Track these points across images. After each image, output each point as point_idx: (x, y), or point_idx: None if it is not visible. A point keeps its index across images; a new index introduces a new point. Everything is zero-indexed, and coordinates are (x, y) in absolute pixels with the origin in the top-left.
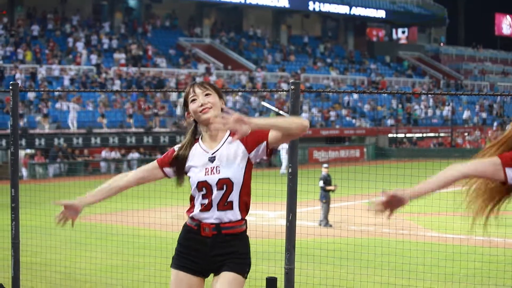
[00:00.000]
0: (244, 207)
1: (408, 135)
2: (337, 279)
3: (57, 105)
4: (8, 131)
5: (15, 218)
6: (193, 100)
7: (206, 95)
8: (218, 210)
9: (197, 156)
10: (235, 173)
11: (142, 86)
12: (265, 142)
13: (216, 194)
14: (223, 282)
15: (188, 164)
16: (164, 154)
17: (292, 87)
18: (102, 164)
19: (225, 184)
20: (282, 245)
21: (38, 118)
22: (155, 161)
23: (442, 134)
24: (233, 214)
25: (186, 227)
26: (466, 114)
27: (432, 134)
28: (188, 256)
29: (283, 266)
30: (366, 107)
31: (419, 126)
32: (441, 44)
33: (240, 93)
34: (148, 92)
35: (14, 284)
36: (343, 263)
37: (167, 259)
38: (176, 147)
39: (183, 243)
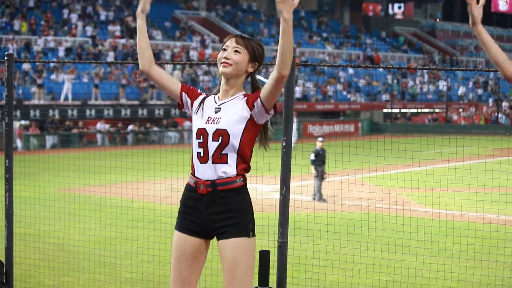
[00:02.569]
0: (241, 162)
1: (403, 110)
2: (330, 253)
3: (52, 77)
4: (3, 102)
5: (9, 189)
6: (223, 49)
7: (236, 51)
8: (213, 162)
9: (206, 105)
10: (234, 127)
11: (137, 59)
12: (258, 99)
13: (211, 144)
14: (229, 251)
15: (198, 109)
16: (188, 86)
17: None
18: (98, 136)
19: (221, 135)
20: (275, 219)
21: (33, 89)
22: (180, 82)
23: (437, 110)
24: (229, 168)
25: (186, 186)
26: (461, 90)
27: (427, 110)
28: (188, 216)
29: (276, 239)
30: (361, 82)
31: (414, 101)
32: (437, 19)
33: None
34: None
35: (7, 255)
36: (336, 237)
37: (160, 231)
38: (199, 90)
39: (184, 202)
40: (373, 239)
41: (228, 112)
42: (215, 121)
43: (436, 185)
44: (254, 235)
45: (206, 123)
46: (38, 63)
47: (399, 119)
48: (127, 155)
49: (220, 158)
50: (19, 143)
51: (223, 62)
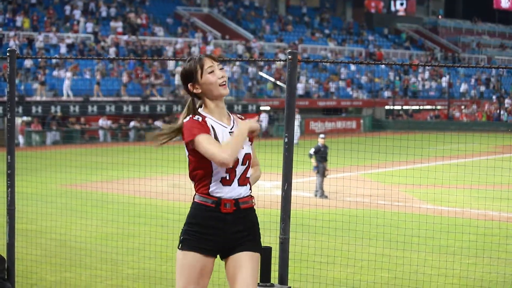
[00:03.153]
0: (250, 182)
1: (405, 107)
2: (332, 249)
3: (54, 73)
4: (5, 98)
5: (10, 185)
6: (211, 72)
7: (221, 69)
8: (239, 185)
9: (218, 131)
10: (250, 150)
11: (139, 55)
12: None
13: (240, 169)
14: (247, 264)
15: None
16: (192, 127)
17: (290, 57)
18: (100, 132)
19: (248, 159)
20: (277, 215)
21: (35, 85)
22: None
23: (439, 107)
24: (248, 189)
25: (200, 206)
26: (463, 87)
27: (428, 107)
28: (207, 236)
29: (278, 236)
30: (364, 79)
31: (416, 98)
32: (439, 16)
33: (237, 63)
34: (145, 60)
35: (9, 251)
36: (338, 234)
37: (162, 228)
38: (188, 118)
39: (202, 223)
40: (375, 236)
41: None
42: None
43: (438, 181)
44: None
45: None
46: (40, 60)
47: (401, 116)
48: (129, 151)
49: (245, 181)
50: (21, 139)
51: (222, 83)
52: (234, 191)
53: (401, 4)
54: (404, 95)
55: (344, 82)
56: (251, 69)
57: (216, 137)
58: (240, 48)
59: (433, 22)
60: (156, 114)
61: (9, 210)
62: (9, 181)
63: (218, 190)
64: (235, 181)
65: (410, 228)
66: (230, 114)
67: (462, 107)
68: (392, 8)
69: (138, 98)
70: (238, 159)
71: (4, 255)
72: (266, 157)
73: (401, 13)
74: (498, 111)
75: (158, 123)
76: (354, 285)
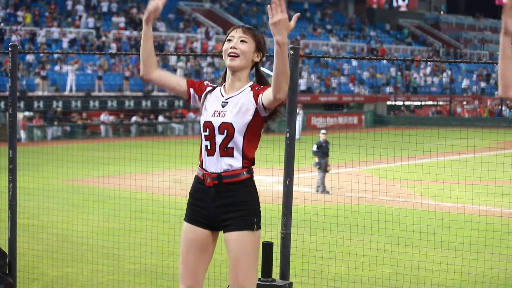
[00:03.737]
0: (246, 155)
1: (407, 103)
2: (333, 245)
3: (56, 68)
4: (7, 93)
5: (12, 180)
6: (229, 40)
7: (242, 41)
8: (220, 155)
9: (213, 98)
10: (239, 121)
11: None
12: (260, 97)
13: (218, 138)
14: (233, 244)
15: (205, 102)
16: (195, 80)
17: (292, 52)
18: (102, 127)
19: (226, 128)
20: (279, 210)
21: (37, 80)
22: (185, 78)
23: (440, 103)
24: (234, 161)
25: (195, 177)
26: (465, 83)
27: (430, 102)
28: (196, 208)
29: (279, 231)
30: (365, 74)
31: (418, 94)
32: (441, 12)
33: None
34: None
35: (10, 246)
36: (340, 229)
37: (163, 223)
38: (206, 82)
39: (192, 194)
40: (376, 231)
41: (234, 106)
42: (221, 115)
43: (440, 177)
44: (258, 228)
45: (212, 116)
46: (42, 54)
47: (403, 111)
48: (130, 146)
49: (225, 151)
50: (22, 134)
51: (230, 54)
52: (218, 163)
53: None
54: (406, 90)
55: (346, 78)
56: None
57: (204, 101)
58: None
59: (435, 18)
60: (158, 109)
61: (10, 205)
62: (11, 176)
63: (205, 162)
64: (217, 151)
65: (411, 224)
66: (245, 87)
67: (464, 102)
68: (394, 4)
69: (140, 93)
70: (213, 127)
71: (6, 250)
72: (268, 152)
73: (403, 9)
74: (500, 106)
75: (160, 118)
76: (356, 280)
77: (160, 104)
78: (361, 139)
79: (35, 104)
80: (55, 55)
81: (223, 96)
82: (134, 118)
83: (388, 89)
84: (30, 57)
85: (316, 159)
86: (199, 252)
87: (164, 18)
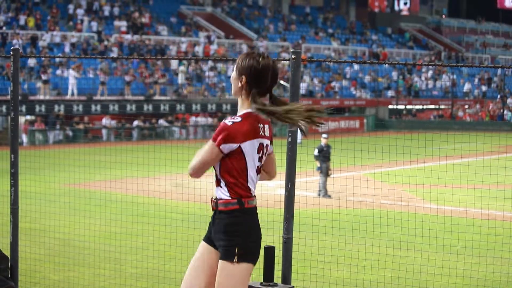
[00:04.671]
0: (230, 186)
1: (408, 106)
2: (335, 249)
3: (58, 72)
4: (9, 97)
5: (14, 184)
6: None
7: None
8: (215, 184)
9: None
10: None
11: (143, 54)
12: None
13: (216, 166)
14: (218, 271)
15: None
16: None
17: (293, 56)
18: (104, 131)
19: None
20: (280, 215)
21: (39, 84)
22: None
23: (442, 106)
24: (222, 191)
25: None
26: (466, 87)
27: (432, 106)
28: (209, 228)
29: (281, 235)
30: (367, 78)
31: (420, 98)
32: (443, 16)
33: None
34: (149, 59)
35: (12, 250)
36: (341, 233)
37: (165, 227)
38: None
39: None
40: (378, 235)
41: None
42: None
43: (441, 181)
44: (243, 261)
45: None
46: (43, 58)
47: (405, 115)
48: (132, 150)
49: (216, 180)
50: (24, 138)
51: None
52: (214, 190)
53: (405, 3)
54: (407, 94)
55: (347, 82)
56: None
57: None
58: (244, 48)
59: (437, 22)
60: (160, 113)
61: (12, 209)
62: (13, 180)
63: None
64: (214, 180)
65: (413, 228)
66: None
67: (466, 106)
68: (396, 8)
69: (141, 97)
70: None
71: (8, 254)
72: None
73: (404, 13)
74: (501, 110)
75: (162, 122)
76: (358, 284)
77: (161, 108)
78: (363, 143)
79: (37, 108)
80: (57, 59)
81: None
82: (135, 122)
83: (390, 93)
84: (31, 61)
85: (318, 164)
86: (209, 271)
87: (165, 22)
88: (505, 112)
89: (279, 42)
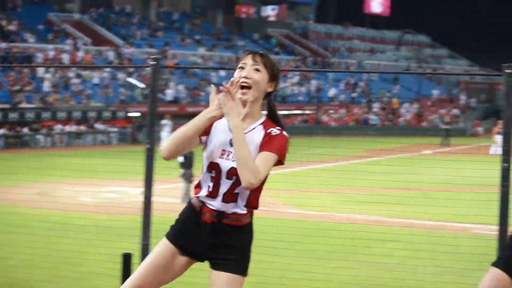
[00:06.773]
0: (252, 201)
1: None
2: None
3: None
4: None
5: None
6: (241, 67)
7: (255, 69)
8: (223, 201)
9: (219, 131)
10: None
11: (10, 62)
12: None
13: (224, 182)
14: (221, 285)
15: (210, 134)
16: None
17: (154, 62)
18: None
19: (235, 175)
20: (139, 221)
21: None
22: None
23: (307, 112)
24: (238, 207)
25: (190, 204)
26: (332, 92)
27: (298, 112)
28: (186, 237)
29: (139, 242)
30: None
31: (286, 103)
32: (310, 21)
33: (107, 69)
34: (15, 67)
35: None
36: None
37: (30, 235)
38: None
39: (184, 221)
40: None
41: None
42: (231, 156)
43: (304, 186)
44: (247, 275)
45: (220, 157)
46: None
47: None
48: None
49: (231, 197)
50: None
51: (242, 83)
52: (218, 204)
53: (272, 9)
54: (274, 99)
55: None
56: (121, 75)
57: (209, 135)
58: (110, 55)
59: (304, 27)
60: (25, 121)
61: None
62: None
63: (205, 196)
64: (220, 195)
65: (275, 233)
66: (257, 124)
67: (331, 111)
68: (263, 13)
69: (7, 105)
70: (221, 170)
71: None
72: (133, 163)
73: (272, 18)
74: (366, 115)
75: (25, 130)
76: None
77: (27, 116)
78: None
79: None
80: None
81: (231, 132)
82: (1, 131)
83: None
84: None
85: (182, 170)
86: (166, 274)
87: (33, 29)
88: (371, 116)
89: (145, 48)
